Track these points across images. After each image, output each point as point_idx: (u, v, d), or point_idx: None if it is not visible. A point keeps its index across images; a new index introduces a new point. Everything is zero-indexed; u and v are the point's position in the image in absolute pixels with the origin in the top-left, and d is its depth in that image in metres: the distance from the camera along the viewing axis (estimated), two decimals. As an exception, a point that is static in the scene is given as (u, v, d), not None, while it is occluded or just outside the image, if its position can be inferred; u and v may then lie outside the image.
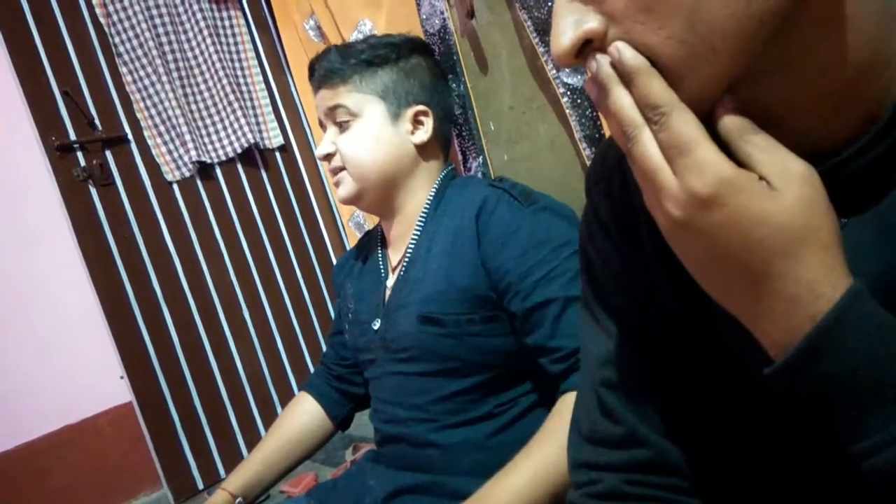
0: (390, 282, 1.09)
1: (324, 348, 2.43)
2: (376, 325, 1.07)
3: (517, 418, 0.99)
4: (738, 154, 0.39)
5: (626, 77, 0.40)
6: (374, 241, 1.18)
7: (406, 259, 1.06)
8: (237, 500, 1.14)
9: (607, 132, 1.18)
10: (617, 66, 0.40)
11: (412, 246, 1.06)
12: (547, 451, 0.84)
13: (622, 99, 0.40)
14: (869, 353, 0.36)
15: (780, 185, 0.38)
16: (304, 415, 1.24)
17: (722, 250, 0.39)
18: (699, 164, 0.38)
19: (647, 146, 0.40)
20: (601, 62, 0.41)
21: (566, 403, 0.88)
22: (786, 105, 0.41)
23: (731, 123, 0.40)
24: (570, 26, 0.41)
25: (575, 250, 0.92)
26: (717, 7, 0.37)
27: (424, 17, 1.72)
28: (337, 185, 1.09)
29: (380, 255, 1.15)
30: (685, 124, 0.39)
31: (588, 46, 0.42)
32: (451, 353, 0.98)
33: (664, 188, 0.39)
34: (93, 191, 2.02)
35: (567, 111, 1.38)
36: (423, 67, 1.09)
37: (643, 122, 0.40)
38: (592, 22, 0.41)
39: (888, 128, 0.40)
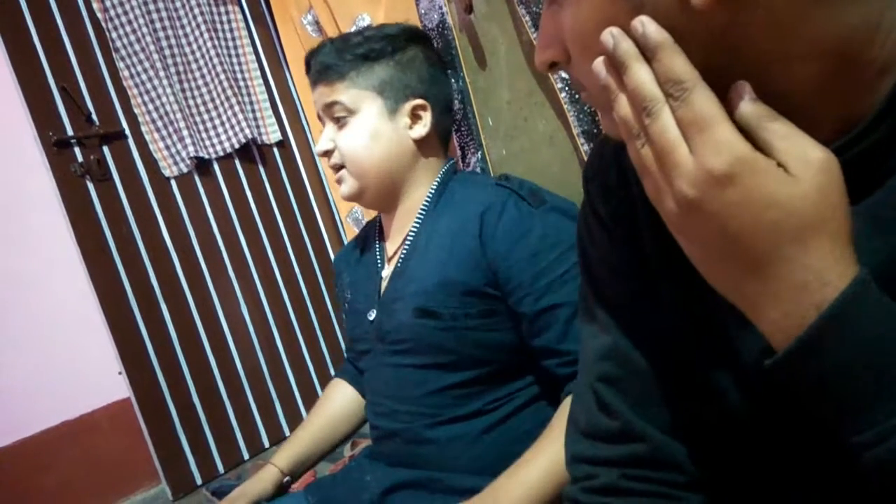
0: (386, 272, 1.10)
1: (321, 342, 2.45)
2: (371, 315, 1.07)
3: (510, 415, 0.99)
4: (757, 141, 0.39)
5: (649, 52, 0.40)
6: (373, 231, 1.18)
7: (403, 251, 1.06)
8: (285, 479, 1.16)
9: (602, 125, 1.18)
10: (640, 40, 0.40)
11: (410, 238, 1.06)
12: (558, 446, 0.85)
13: (642, 74, 0.40)
14: (874, 342, 0.36)
15: (797, 172, 0.37)
16: (342, 396, 1.27)
17: (732, 232, 0.39)
18: (717, 142, 0.38)
19: (667, 122, 0.39)
20: (619, 39, 0.41)
21: None
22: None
23: (749, 111, 0.39)
24: (541, 50, 0.48)
25: None
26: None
27: (423, 11, 1.72)
28: (339, 182, 1.09)
29: (377, 247, 1.15)
30: (707, 101, 0.38)
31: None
32: (447, 347, 0.98)
33: (679, 165, 0.39)
34: (90, 186, 2.01)
35: (565, 106, 1.38)
36: (421, 59, 1.08)
37: (664, 97, 0.40)
38: (555, 51, 0.47)
39: (874, 126, 0.40)
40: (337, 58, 1.04)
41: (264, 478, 1.15)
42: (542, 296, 0.92)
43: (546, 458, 0.85)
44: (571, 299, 0.90)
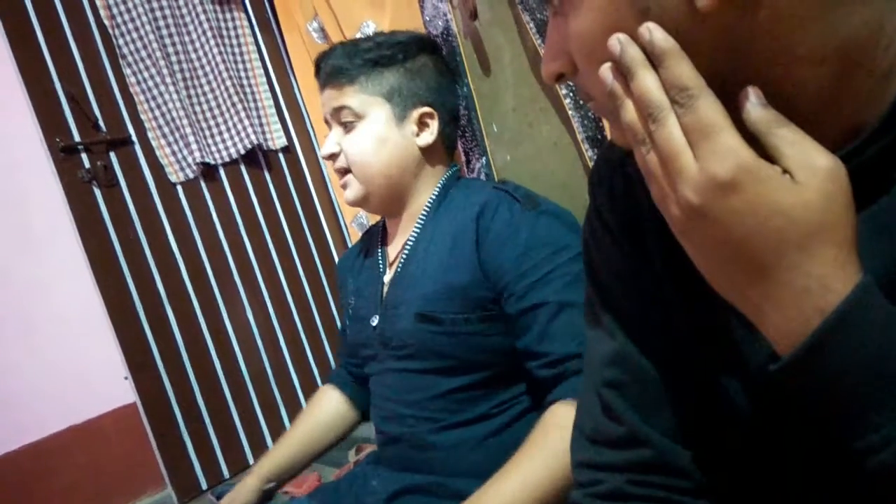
0: (387, 278, 1.10)
1: (327, 348, 2.44)
2: (374, 321, 1.07)
3: (515, 419, 0.99)
4: (766, 147, 0.39)
5: (656, 58, 0.40)
6: (375, 237, 1.19)
7: (403, 255, 1.06)
8: (269, 485, 1.15)
9: (610, 133, 1.18)
10: (647, 46, 0.40)
11: (411, 243, 1.06)
12: (535, 463, 0.84)
13: (648, 81, 0.40)
14: (877, 347, 0.36)
15: (803, 179, 0.37)
16: (329, 402, 1.27)
17: (735, 238, 0.39)
18: (722, 150, 0.38)
19: (672, 129, 0.40)
20: (626, 45, 0.41)
21: (553, 415, 0.87)
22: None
23: (758, 116, 0.39)
24: (548, 62, 0.48)
25: (573, 255, 0.92)
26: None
27: (428, 18, 1.72)
28: (344, 187, 1.09)
29: (379, 252, 1.15)
30: (712, 109, 0.39)
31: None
32: (449, 352, 0.98)
33: (684, 172, 0.39)
34: (97, 192, 2.02)
35: (570, 112, 1.38)
36: (430, 67, 1.08)
37: (670, 104, 0.40)
38: (562, 63, 0.47)
39: (880, 132, 0.40)
40: (347, 62, 1.04)
41: (246, 487, 1.14)
42: (524, 296, 0.92)
43: (521, 475, 0.84)
44: (553, 299, 0.90)
